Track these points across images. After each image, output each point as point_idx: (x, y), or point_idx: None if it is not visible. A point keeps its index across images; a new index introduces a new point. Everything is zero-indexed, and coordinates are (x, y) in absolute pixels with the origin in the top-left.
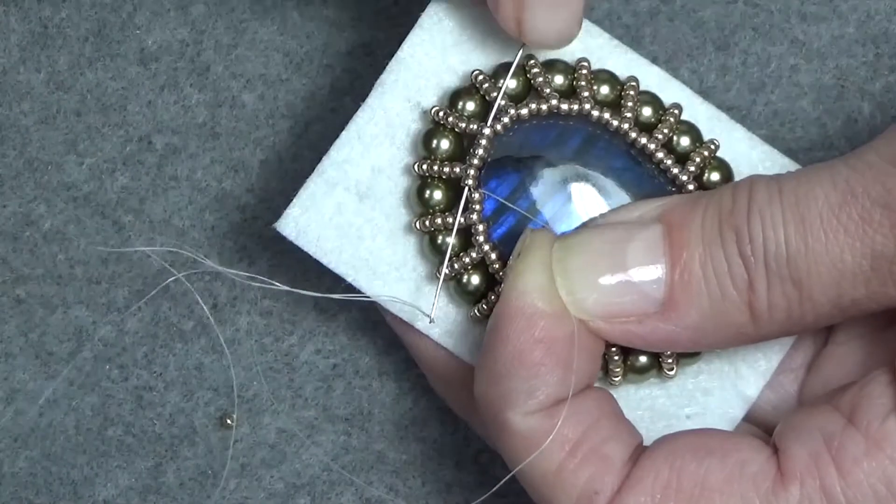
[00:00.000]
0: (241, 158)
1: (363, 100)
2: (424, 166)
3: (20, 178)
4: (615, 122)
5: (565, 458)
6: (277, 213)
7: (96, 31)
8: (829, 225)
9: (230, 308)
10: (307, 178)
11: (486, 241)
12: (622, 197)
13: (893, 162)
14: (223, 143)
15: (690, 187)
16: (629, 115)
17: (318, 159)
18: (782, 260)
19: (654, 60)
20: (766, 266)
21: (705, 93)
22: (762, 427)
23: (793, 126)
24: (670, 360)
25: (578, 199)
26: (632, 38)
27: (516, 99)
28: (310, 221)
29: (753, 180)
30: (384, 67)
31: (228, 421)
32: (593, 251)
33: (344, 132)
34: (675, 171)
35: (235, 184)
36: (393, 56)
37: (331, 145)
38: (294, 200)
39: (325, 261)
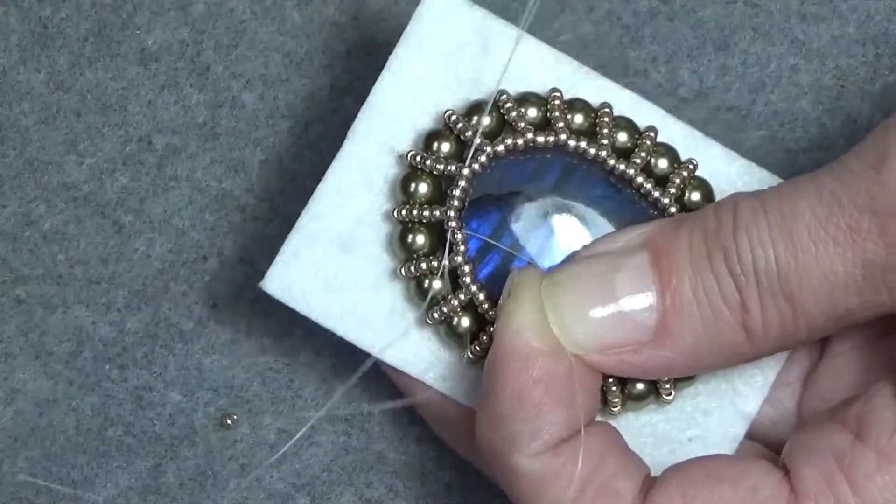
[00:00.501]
0: (241, 158)
1: (363, 100)
2: (404, 211)
3: (20, 178)
4: (592, 150)
5: (575, 497)
6: (278, 213)
7: (96, 31)
8: (818, 237)
9: (230, 308)
10: (306, 179)
11: (474, 281)
12: (604, 225)
13: (877, 168)
14: (223, 143)
15: (672, 210)
16: (605, 141)
17: (319, 159)
18: (773, 276)
19: (654, 60)
20: (757, 283)
21: (705, 93)
22: (763, 443)
23: (793, 126)
24: (668, 386)
25: (561, 231)
26: (632, 38)
27: (491, 135)
28: (294, 278)
29: (736, 199)
30: (383, 67)
31: (228, 421)
32: (582, 285)
33: (321, 184)
34: (656, 194)
35: (235, 184)
36: (369, 95)
37: (331, 145)
38: (277, 258)
39: (313, 316)
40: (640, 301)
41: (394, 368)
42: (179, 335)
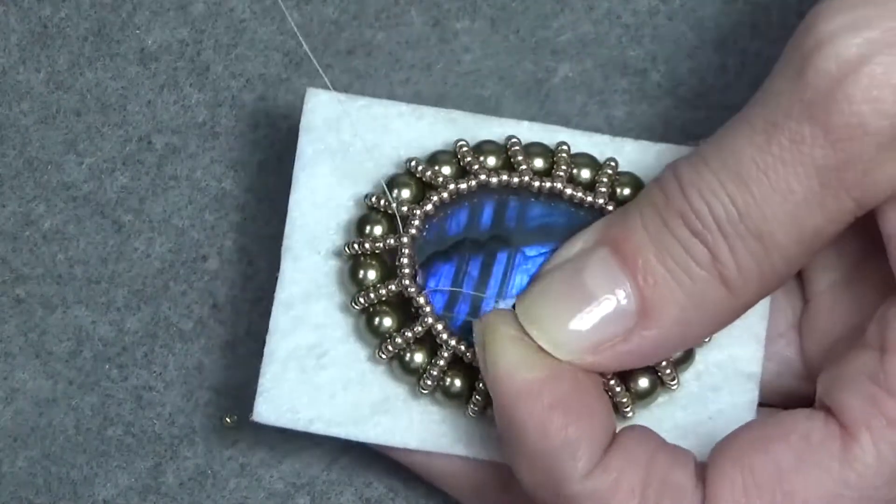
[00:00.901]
0: (240, 158)
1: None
2: (361, 299)
3: (20, 178)
4: (515, 179)
5: (641, 502)
6: (278, 213)
7: (96, 31)
8: (765, 165)
9: (230, 308)
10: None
11: (451, 336)
12: (552, 244)
13: (799, 75)
14: (223, 143)
15: (610, 208)
16: (524, 167)
17: None
18: (735, 220)
19: (654, 60)
20: (722, 233)
21: (704, 93)
22: (778, 402)
23: None
24: (669, 371)
25: (513, 264)
26: (631, 38)
27: (416, 200)
28: (281, 402)
29: (674, 165)
30: (383, 67)
31: (228, 421)
32: (554, 295)
33: (273, 309)
34: (590, 198)
35: (235, 184)
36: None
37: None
38: (258, 390)
39: (312, 430)
40: (615, 291)
41: (405, 451)
42: (179, 335)
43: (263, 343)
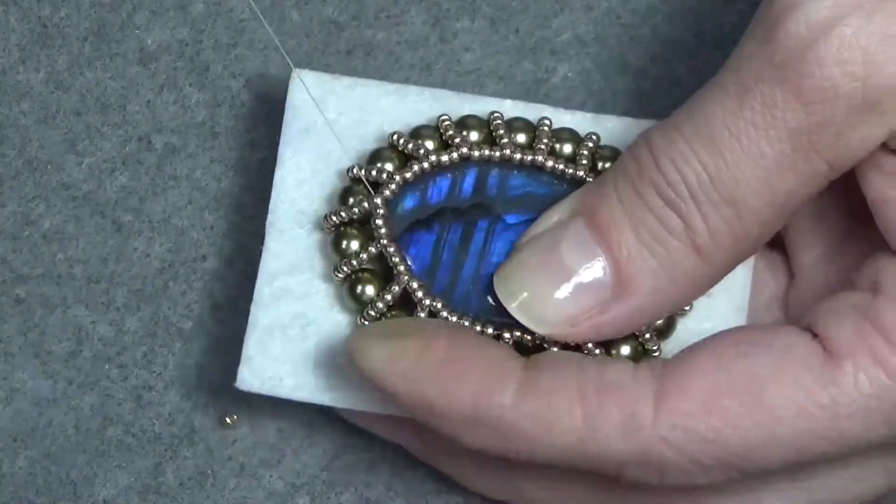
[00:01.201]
0: (240, 158)
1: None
2: (344, 267)
3: (20, 178)
4: (496, 153)
5: (584, 411)
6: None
7: (96, 31)
8: (738, 129)
9: (230, 308)
10: None
11: (427, 296)
12: (533, 213)
13: (769, 37)
14: (223, 143)
15: (590, 179)
16: (506, 140)
17: None
18: (707, 186)
19: (653, 59)
20: (694, 199)
21: None
22: None
23: None
24: (648, 336)
25: (494, 230)
26: (631, 38)
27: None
28: (264, 370)
29: (647, 134)
30: (383, 67)
31: (228, 421)
32: (531, 268)
33: (257, 281)
34: (570, 169)
35: (235, 183)
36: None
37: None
38: (241, 359)
39: (295, 397)
40: (590, 263)
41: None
42: (179, 335)
43: None
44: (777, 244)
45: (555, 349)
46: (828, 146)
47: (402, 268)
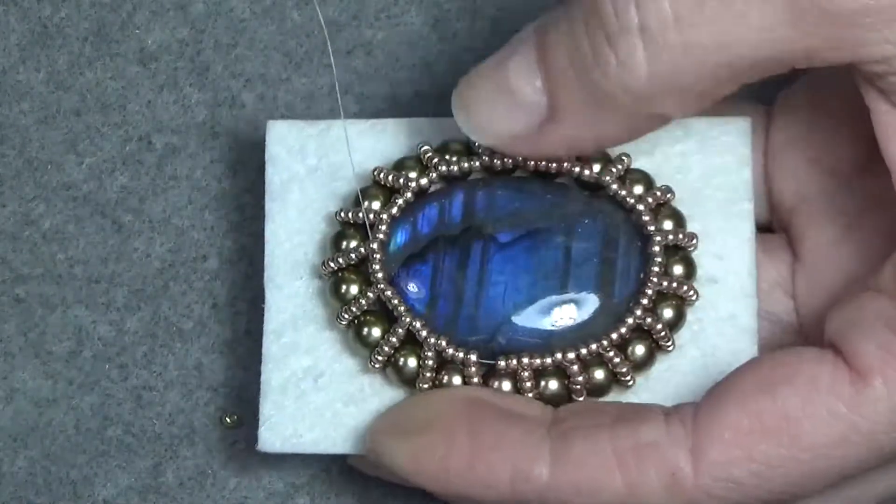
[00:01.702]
0: (240, 158)
1: (363, 100)
2: (345, 314)
3: (20, 178)
4: (476, 163)
5: (623, 483)
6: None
7: (96, 31)
8: None
9: (230, 308)
10: None
11: (431, 334)
12: (524, 228)
13: None
14: (223, 143)
15: (577, 170)
16: (482, 149)
17: None
18: (660, 26)
19: None
20: (642, 35)
21: None
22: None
23: None
24: (663, 334)
25: (489, 253)
26: None
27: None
28: (284, 429)
29: None
30: (383, 67)
31: (228, 420)
32: (483, 81)
33: (263, 339)
34: (554, 165)
35: (235, 184)
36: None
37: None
38: (259, 420)
39: (318, 451)
40: (531, 83)
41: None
42: (179, 335)
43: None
44: (772, 229)
45: (580, 400)
46: (825, 29)
47: (402, 308)
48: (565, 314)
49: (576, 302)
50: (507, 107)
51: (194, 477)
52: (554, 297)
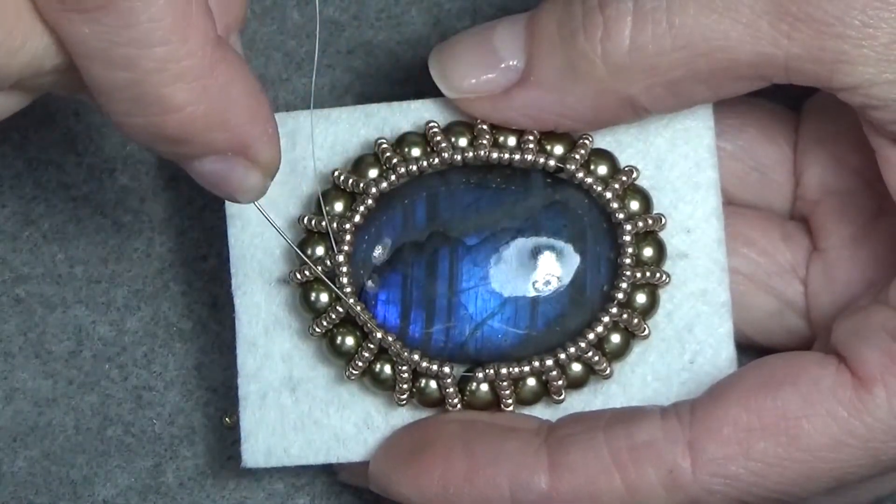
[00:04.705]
0: None
1: (363, 100)
2: (317, 328)
3: (20, 178)
4: (436, 161)
5: (623, 484)
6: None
7: None
8: None
9: (230, 308)
10: None
11: (403, 348)
12: (488, 230)
13: None
14: None
15: (541, 160)
16: (444, 144)
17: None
18: (652, 5)
19: None
20: (633, 15)
21: None
22: (774, 339)
23: None
24: (636, 322)
25: (457, 257)
26: None
27: (350, 208)
28: (266, 444)
29: None
30: (384, 67)
31: (228, 420)
32: (465, 40)
33: (237, 350)
34: (517, 156)
35: None
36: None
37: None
38: (241, 437)
39: (303, 462)
40: (511, 47)
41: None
42: (179, 335)
43: None
44: (794, 217)
45: (559, 398)
46: (807, 42)
47: (372, 324)
48: (539, 313)
49: (549, 300)
50: (483, 64)
51: (194, 477)
52: (525, 297)
